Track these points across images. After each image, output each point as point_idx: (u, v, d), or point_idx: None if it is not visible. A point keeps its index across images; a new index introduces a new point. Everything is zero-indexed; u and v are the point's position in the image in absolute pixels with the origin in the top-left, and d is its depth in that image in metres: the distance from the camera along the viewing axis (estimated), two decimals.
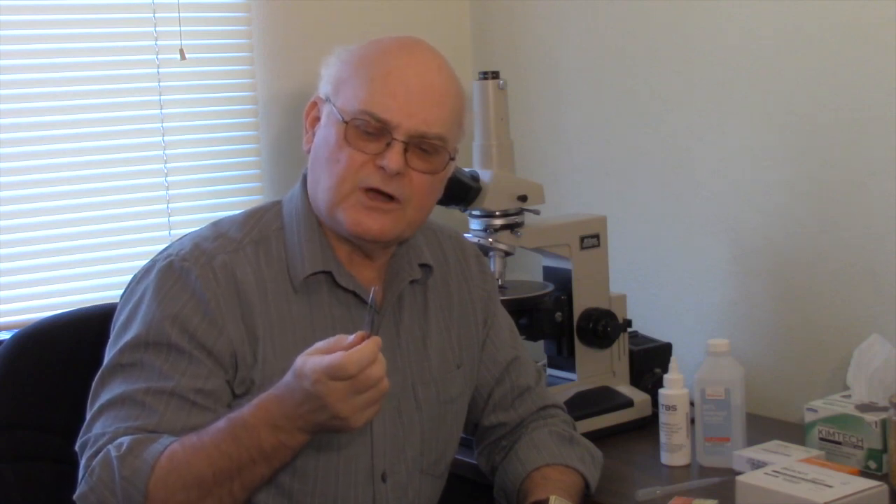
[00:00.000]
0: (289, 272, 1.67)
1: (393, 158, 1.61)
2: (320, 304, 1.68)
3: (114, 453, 1.50)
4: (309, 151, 1.71)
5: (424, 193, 1.67)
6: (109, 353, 1.62)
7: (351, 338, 1.46)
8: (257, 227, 1.70)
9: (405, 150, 1.62)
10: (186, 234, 1.73)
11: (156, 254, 1.70)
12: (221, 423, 1.52)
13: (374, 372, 1.45)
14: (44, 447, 1.77)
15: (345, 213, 1.64)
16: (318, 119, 1.70)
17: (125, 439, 1.51)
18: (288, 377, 1.49)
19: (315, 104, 1.71)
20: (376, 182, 1.62)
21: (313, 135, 1.70)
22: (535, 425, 1.87)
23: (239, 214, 1.75)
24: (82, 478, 1.53)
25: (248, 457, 1.50)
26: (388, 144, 1.62)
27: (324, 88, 1.70)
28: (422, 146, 1.64)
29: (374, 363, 1.44)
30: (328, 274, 1.69)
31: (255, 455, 1.50)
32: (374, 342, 1.45)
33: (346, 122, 1.62)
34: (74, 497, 1.53)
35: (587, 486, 1.81)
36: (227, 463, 1.49)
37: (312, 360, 1.45)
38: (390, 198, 1.63)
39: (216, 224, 1.73)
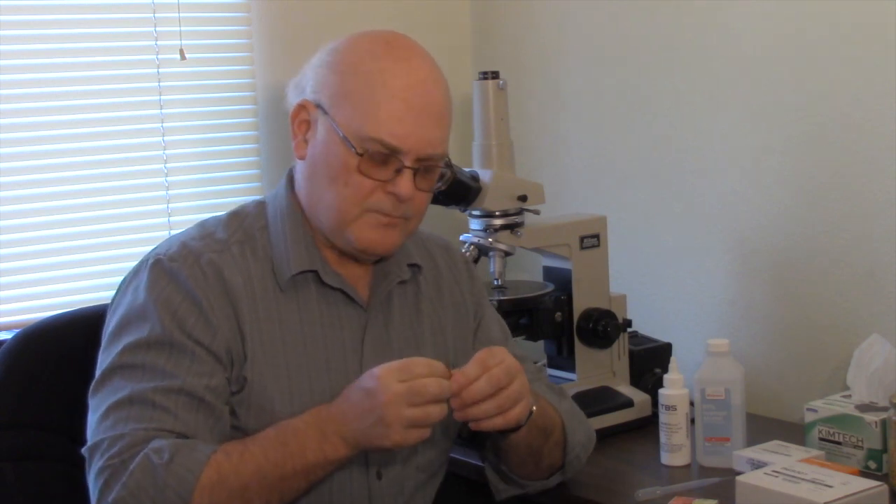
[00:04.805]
0: (274, 271, 1.68)
1: (405, 185, 1.62)
2: (308, 302, 1.69)
3: (156, 460, 1.49)
4: (302, 158, 1.69)
5: (424, 207, 1.71)
6: (107, 355, 1.61)
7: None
8: (241, 228, 1.71)
9: (414, 175, 1.63)
10: (174, 235, 1.73)
11: (145, 255, 1.69)
12: (270, 431, 1.56)
13: (434, 386, 1.51)
14: (45, 446, 1.77)
15: (355, 233, 1.65)
16: (307, 123, 1.68)
17: (163, 444, 1.50)
18: (350, 386, 1.56)
19: (304, 108, 1.68)
20: (387, 208, 1.64)
21: (305, 141, 1.68)
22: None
23: (223, 214, 1.75)
24: (110, 480, 1.49)
25: (291, 467, 1.53)
26: (398, 171, 1.62)
27: (314, 95, 1.66)
28: (426, 167, 1.65)
29: (438, 382, 1.51)
30: (314, 272, 1.69)
31: (297, 466, 1.53)
32: (450, 381, 1.54)
33: (360, 155, 1.61)
34: (110, 500, 1.49)
35: (565, 447, 1.79)
36: (271, 471, 1.52)
37: (384, 365, 1.53)
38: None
39: (202, 224, 1.73)
